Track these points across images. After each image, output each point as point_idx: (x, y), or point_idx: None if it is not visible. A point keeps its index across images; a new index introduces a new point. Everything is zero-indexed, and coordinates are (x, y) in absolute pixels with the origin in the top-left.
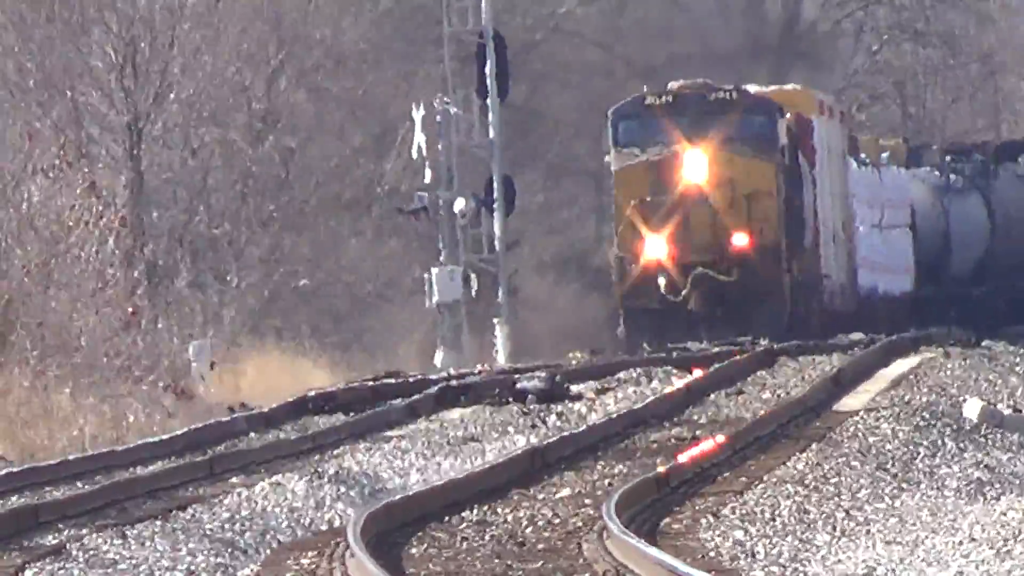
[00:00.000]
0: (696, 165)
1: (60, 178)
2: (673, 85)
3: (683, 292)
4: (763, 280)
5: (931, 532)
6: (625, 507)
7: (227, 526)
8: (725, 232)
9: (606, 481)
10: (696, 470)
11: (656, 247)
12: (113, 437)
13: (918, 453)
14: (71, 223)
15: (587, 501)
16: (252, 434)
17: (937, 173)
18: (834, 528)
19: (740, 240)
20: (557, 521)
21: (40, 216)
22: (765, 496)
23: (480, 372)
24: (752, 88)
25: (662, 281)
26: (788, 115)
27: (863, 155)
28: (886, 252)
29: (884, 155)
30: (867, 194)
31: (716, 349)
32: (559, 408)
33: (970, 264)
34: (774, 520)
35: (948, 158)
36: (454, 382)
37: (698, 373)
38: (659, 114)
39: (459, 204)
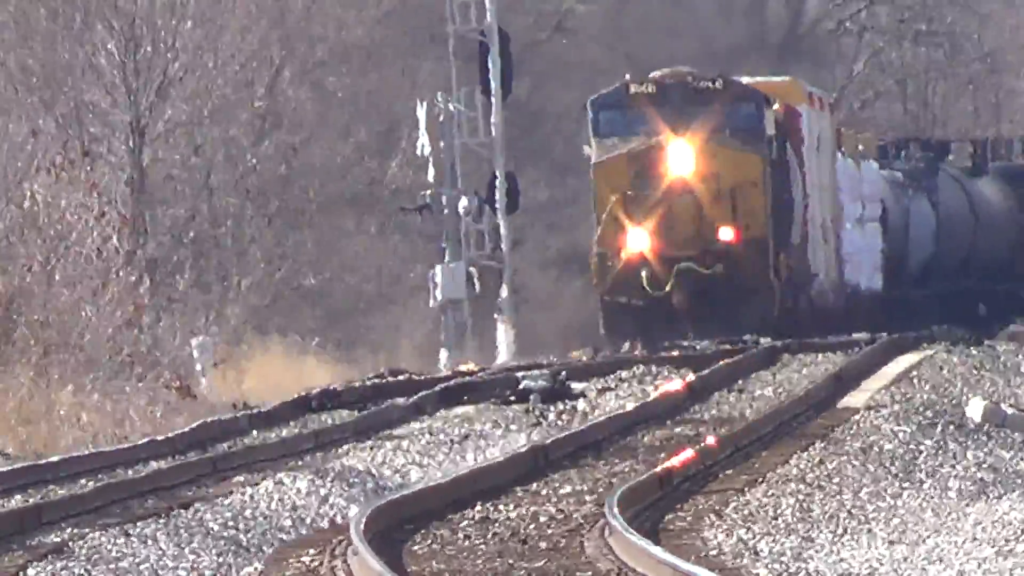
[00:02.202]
0: (680, 157)
1: (62, 176)
2: (656, 74)
3: (666, 287)
4: (749, 275)
5: (933, 531)
6: (627, 505)
7: (230, 524)
8: (710, 226)
9: (608, 479)
10: (699, 468)
11: (639, 241)
12: (115, 435)
13: (920, 452)
14: (74, 221)
15: (590, 499)
16: (255, 432)
17: (898, 172)
18: (836, 527)
19: (726, 234)
20: (560, 519)
21: (43, 214)
22: (767, 494)
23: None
24: (738, 78)
25: (645, 276)
26: (776, 106)
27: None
28: (865, 248)
29: (859, 148)
30: (850, 188)
31: (720, 347)
32: (561, 406)
33: (920, 264)
34: (776, 518)
35: (903, 153)
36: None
37: (700, 371)
38: (642, 104)
39: (463, 202)
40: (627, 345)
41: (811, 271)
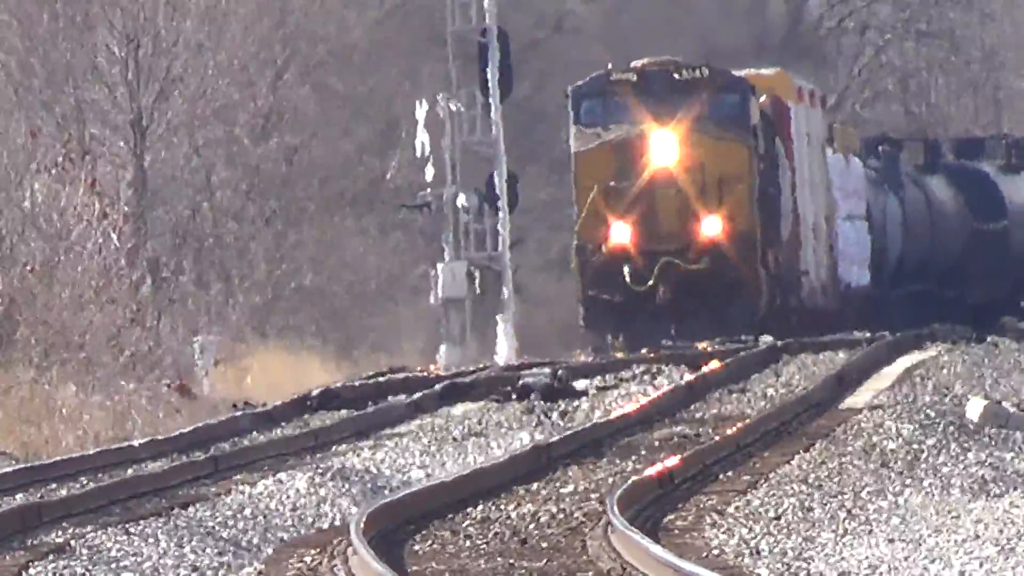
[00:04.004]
0: (664, 147)
1: (63, 176)
2: (639, 62)
3: (650, 282)
4: (735, 270)
5: (934, 530)
6: (629, 504)
7: (230, 524)
8: (695, 218)
9: (610, 478)
10: (699, 467)
11: (621, 234)
12: (116, 435)
13: (922, 451)
14: (74, 220)
15: (591, 498)
16: (255, 432)
17: (872, 169)
18: (838, 526)
19: (711, 227)
20: (561, 518)
21: (43, 214)
22: (769, 494)
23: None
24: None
25: (627, 270)
26: (764, 98)
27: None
28: (856, 246)
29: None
30: (840, 184)
31: (723, 346)
32: (563, 405)
33: (895, 263)
34: (778, 518)
35: (881, 149)
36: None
37: (702, 370)
38: (624, 93)
39: (461, 199)
40: (609, 341)
41: (801, 268)
